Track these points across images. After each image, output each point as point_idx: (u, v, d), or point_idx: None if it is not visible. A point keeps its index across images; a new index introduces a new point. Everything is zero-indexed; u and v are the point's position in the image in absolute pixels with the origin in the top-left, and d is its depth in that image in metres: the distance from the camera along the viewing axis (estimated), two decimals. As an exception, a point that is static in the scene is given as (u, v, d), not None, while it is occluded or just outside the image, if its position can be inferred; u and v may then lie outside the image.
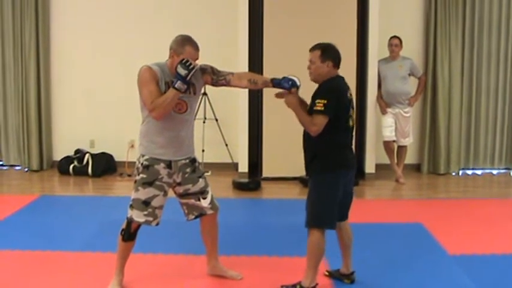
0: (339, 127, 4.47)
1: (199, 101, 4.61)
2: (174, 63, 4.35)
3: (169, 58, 4.43)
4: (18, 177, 8.93)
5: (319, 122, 4.36)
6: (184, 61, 4.27)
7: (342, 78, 4.64)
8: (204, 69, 4.59)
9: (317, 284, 4.55)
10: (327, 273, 4.94)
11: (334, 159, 4.50)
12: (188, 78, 4.26)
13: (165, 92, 4.32)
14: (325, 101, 4.36)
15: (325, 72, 4.54)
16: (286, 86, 4.54)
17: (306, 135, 4.53)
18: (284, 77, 4.57)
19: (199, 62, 4.48)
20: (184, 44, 4.37)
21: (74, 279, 4.88)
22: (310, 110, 4.44)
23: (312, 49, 4.63)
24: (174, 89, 4.27)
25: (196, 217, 4.71)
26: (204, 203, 4.66)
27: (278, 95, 4.57)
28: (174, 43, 4.40)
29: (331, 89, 4.47)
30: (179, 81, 4.25)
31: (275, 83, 4.57)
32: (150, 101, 4.28)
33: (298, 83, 4.57)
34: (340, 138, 4.53)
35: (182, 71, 4.25)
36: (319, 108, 4.36)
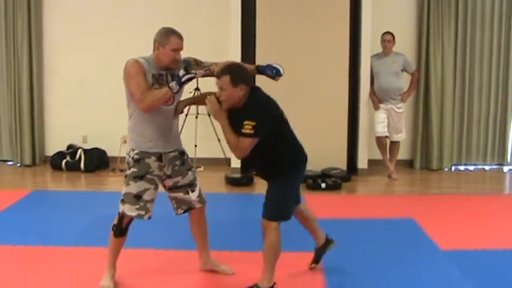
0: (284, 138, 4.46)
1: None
2: (160, 55, 4.39)
3: (155, 51, 4.44)
4: (10, 172, 8.93)
5: (246, 145, 4.26)
6: (188, 66, 4.35)
7: (258, 89, 4.46)
8: (187, 62, 4.60)
9: (275, 283, 4.51)
10: (313, 265, 4.96)
11: (292, 159, 4.51)
12: (183, 80, 4.28)
13: (152, 85, 4.33)
14: (254, 124, 4.19)
15: (241, 96, 4.27)
16: (270, 73, 4.52)
17: (251, 157, 4.38)
18: (268, 65, 4.56)
19: (184, 54, 4.49)
20: (169, 34, 4.40)
21: (67, 274, 4.87)
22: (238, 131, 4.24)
23: (220, 75, 4.27)
24: (168, 87, 4.29)
25: (185, 211, 4.72)
26: (193, 196, 4.67)
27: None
28: (158, 35, 4.42)
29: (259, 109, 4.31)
30: (174, 82, 4.28)
31: (259, 69, 4.60)
32: (140, 92, 4.28)
33: (282, 72, 4.54)
34: (290, 145, 4.51)
35: (181, 73, 4.29)
36: (248, 131, 4.20)
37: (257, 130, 4.18)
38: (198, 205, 4.72)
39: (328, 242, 4.93)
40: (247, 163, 4.59)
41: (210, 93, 4.47)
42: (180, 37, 4.43)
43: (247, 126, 4.17)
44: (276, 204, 4.44)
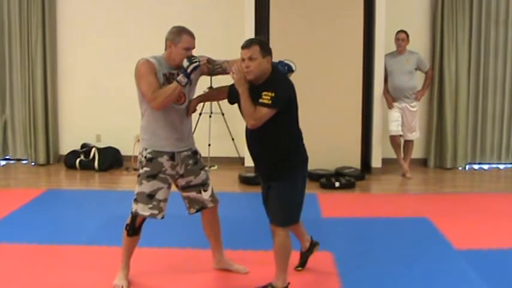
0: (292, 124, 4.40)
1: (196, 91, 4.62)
2: (172, 53, 4.40)
3: (167, 49, 4.45)
4: (25, 171, 8.96)
5: (262, 115, 4.19)
6: (190, 56, 4.31)
7: (278, 70, 4.45)
8: (190, 55, 4.60)
9: (289, 283, 4.49)
10: (299, 268, 4.92)
11: (300, 153, 4.47)
12: (189, 71, 4.27)
13: (163, 84, 4.33)
14: (273, 95, 4.17)
15: (266, 68, 4.25)
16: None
17: (262, 143, 4.35)
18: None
19: (197, 54, 4.48)
20: (181, 33, 4.40)
21: (80, 272, 4.88)
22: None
23: (248, 45, 4.24)
24: (176, 82, 4.28)
25: (197, 210, 4.72)
26: (205, 195, 4.67)
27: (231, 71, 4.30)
28: (170, 34, 4.42)
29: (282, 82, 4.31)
30: (181, 75, 4.28)
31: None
32: (150, 91, 4.28)
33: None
34: (298, 137, 4.46)
35: (185, 64, 4.28)
36: (266, 101, 4.16)
37: (275, 102, 4.14)
38: (210, 204, 4.72)
39: (313, 244, 4.89)
40: (253, 161, 4.50)
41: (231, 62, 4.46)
42: (192, 35, 4.43)
43: (266, 97, 4.14)
44: (285, 208, 4.38)
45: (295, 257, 4.74)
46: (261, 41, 4.31)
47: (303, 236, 4.86)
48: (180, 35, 4.39)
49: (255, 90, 4.21)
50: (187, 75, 4.29)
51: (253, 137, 4.39)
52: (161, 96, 4.28)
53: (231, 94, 4.50)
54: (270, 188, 4.42)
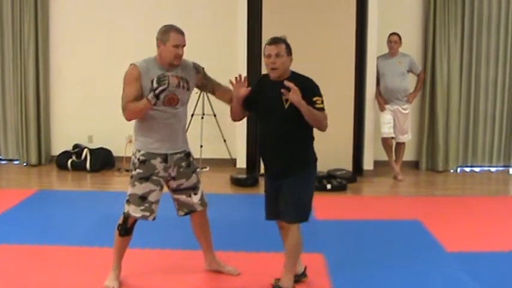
0: None
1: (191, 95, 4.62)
2: (162, 52, 4.40)
3: (157, 49, 4.45)
4: (16, 171, 8.94)
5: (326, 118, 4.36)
6: (160, 76, 4.27)
7: None
8: (198, 69, 4.63)
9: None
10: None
11: (313, 152, 4.51)
12: (156, 93, 4.25)
13: (151, 90, 4.28)
14: (322, 98, 4.33)
15: (288, 67, 4.39)
16: None
17: (281, 138, 4.36)
18: None
19: (190, 54, 4.49)
20: (168, 31, 4.40)
21: (71, 273, 4.87)
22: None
23: (276, 42, 4.36)
24: (146, 100, 4.29)
25: (186, 214, 4.72)
26: (195, 198, 4.66)
27: (285, 92, 4.20)
28: (159, 33, 4.43)
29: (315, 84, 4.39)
30: (151, 94, 4.27)
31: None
32: (123, 102, 4.36)
33: None
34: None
35: (154, 85, 4.26)
36: (322, 105, 4.32)
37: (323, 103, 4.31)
38: (199, 208, 4.71)
39: (303, 274, 4.74)
40: (265, 159, 4.52)
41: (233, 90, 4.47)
42: (180, 32, 4.42)
43: (319, 101, 4.29)
44: (300, 205, 4.39)
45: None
46: (285, 40, 4.39)
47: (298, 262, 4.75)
48: (167, 33, 4.39)
49: (277, 86, 4.26)
50: (156, 96, 4.27)
51: (272, 134, 4.41)
52: (129, 111, 4.35)
53: (247, 103, 4.49)
54: (282, 186, 4.39)
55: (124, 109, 4.36)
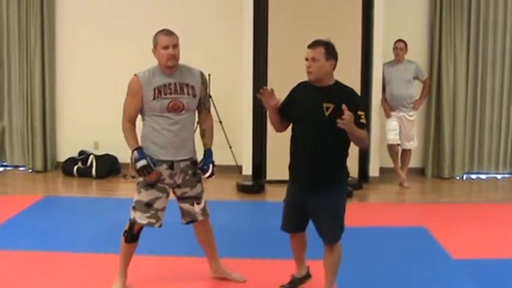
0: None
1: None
2: (158, 58, 4.45)
3: (155, 56, 4.48)
4: (22, 178, 8.95)
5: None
6: (142, 166, 4.34)
7: None
8: (203, 80, 4.63)
9: None
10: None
11: (347, 168, 4.39)
12: (137, 169, 4.35)
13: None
14: (364, 112, 4.16)
15: (328, 72, 4.19)
16: (205, 168, 4.62)
17: (319, 147, 4.17)
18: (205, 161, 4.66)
19: (197, 63, 4.51)
20: (156, 35, 4.46)
21: (77, 280, 4.87)
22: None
23: (313, 46, 4.20)
24: (132, 152, 4.43)
25: (188, 222, 4.72)
26: (197, 208, 4.66)
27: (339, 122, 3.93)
28: (152, 40, 4.47)
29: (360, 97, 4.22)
30: (136, 155, 4.38)
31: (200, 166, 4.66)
32: (124, 116, 4.57)
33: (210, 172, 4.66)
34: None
35: (136, 166, 4.36)
36: (365, 121, 4.17)
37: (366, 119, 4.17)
38: (200, 218, 4.71)
39: (308, 275, 4.77)
40: (296, 168, 4.37)
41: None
42: (167, 33, 4.43)
43: (363, 116, 4.11)
44: (340, 225, 4.31)
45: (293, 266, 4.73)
46: (327, 44, 4.22)
47: (303, 262, 4.74)
48: (156, 38, 4.45)
49: (316, 91, 4.20)
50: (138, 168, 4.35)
51: (309, 141, 4.22)
52: (124, 134, 4.54)
53: (284, 110, 4.39)
54: (318, 203, 4.25)
55: (123, 126, 4.55)
